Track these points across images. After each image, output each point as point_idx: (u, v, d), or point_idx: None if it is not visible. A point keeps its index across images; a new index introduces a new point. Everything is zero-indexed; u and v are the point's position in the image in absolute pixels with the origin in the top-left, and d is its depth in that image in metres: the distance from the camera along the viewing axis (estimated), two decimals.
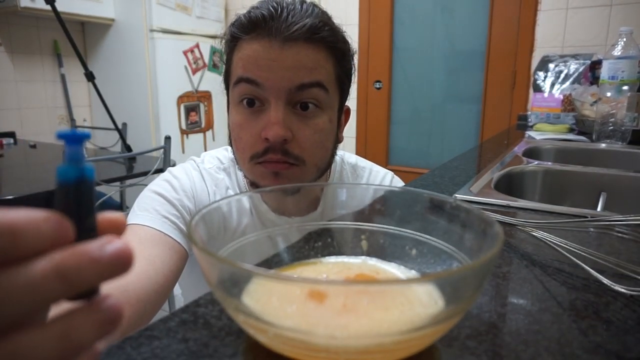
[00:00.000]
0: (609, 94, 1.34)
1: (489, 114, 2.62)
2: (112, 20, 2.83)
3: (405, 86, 2.87)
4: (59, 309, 0.21)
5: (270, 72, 0.62)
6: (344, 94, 0.72)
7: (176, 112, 2.86)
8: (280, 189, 0.54)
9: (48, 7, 1.97)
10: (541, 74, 2.03)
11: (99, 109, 2.82)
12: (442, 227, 0.39)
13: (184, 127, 2.91)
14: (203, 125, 3.05)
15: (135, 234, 0.64)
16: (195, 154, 0.84)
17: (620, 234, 0.55)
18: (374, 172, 0.86)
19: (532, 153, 1.24)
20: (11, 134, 2.30)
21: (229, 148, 0.77)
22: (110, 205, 1.87)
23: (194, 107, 2.97)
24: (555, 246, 0.48)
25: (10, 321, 0.19)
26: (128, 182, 1.71)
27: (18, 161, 1.93)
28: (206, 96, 3.04)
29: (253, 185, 0.71)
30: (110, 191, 1.74)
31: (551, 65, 2.01)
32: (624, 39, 1.32)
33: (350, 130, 3.00)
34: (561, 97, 1.77)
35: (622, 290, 0.39)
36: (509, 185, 0.90)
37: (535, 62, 2.34)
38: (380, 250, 0.42)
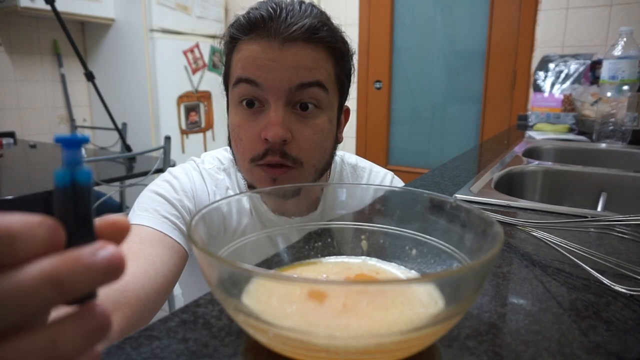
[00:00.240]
0: (609, 94, 1.34)
1: (489, 114, 2.62)
2: (112, 20, 2.83)
3: (405, 86, 2.87)
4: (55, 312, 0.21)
5: (269, 72, 0.62)
6: (343, 94, 0.72)
7: (176, 112, 2.86)
8: (280, 191, 0.54)
9: (48, 7, 1.97)
10: (541, 73, 2.03)
11: (98, 109, 2.82)
12: (442, 227, 0.39)
13: (184, 127, 2.91)
14: (203, 125, 3.05)
15: (135, 234, 0.64)
16: (195, 154, 0.84)
17: (620, 234, 0.55)
18: (374, 172, 0.86)
19: (532, 153, 1.24)
20: (11, 134, 2.30)
21: (229, 148, 0.77)
22: (110, 205, 1.87)
23: (194, 107, 2.97)
24: (555, 246, 0.48)
25: (1, 329, 0.19)
26: (128, 182, 1.71)
27: (18, 161, 1.93)
28: (206, 96, 3.04)
29: (251, 187, 0.71)
30: (110, 191, 1.75)
31: (551, 65, 2.01)
32: (624, 39, 1.32)
33: (350, 130, 3.00)
34: (561, 97, 1.77)
35: (623, 290, 0.39)
36: (509, 185, 0.91)
37: (535, 62, 2.34)
38: (380, 250, 0.42)
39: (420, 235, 0.40)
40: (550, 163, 1.06)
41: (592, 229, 0.57)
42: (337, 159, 0.81)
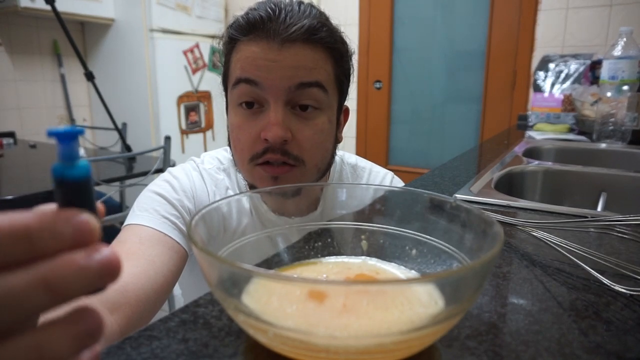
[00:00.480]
0: (609, 94, 1.34)
1: (489, 114, 2.62)
2: (112, 20, 2.83)
3: (405, 86, 2.87)
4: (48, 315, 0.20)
5: (269, 72, 0.62)
6: (343, 94, 0.72)
7: (176, 112, 2.86)
8: (280, 191, 0.54)
9: (48, 7, 1.97)
10: (541, 73, 2.03)
11: (98, 108, 2.82)
12: (442, 227, 0.39)
13: (183, 127, 2.91)
14: (203, 125, 3.05)
15: (135, 234, 0.64)
16: (195, 154, 0.84)
17: (620, 234, 0.55)
18: (373, 172, 0.86)
19: (532, 153, 1.24)
20: (11, 134, 2.30)
21: (229, 149, 0.77)
22: (110, 205, 1.87)
23: (193, 107, 2.97)
24: (555, 246, 0.48)
25: None
26: (128, 182, 1.71)
27: (18, 161, 1.93)
28: (206, 96, 3.04)
29: (252, 187, 0.71)
30: (110, 191, 1.75)
31: (551, 65, 2.01)
32: (624, 39, 1.32)
33: (350, 130, 3.00)
34: (561, 97, 1.77)
35: (622, 290, 0.39)
36: (509, 185, 0.91)
37: (535, 62, 2.34)
38: (380, 250, 0.42)
39: (420, 235, 0.40)
40: (550, 163, 1.06)
41: (592, 229, 0.57)
42: (337, 159, 0.81)
